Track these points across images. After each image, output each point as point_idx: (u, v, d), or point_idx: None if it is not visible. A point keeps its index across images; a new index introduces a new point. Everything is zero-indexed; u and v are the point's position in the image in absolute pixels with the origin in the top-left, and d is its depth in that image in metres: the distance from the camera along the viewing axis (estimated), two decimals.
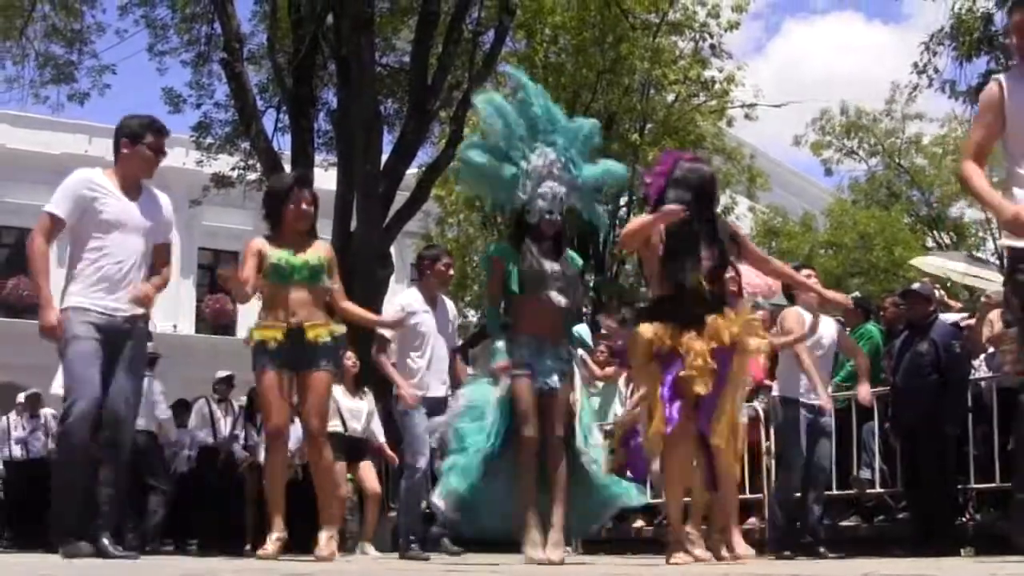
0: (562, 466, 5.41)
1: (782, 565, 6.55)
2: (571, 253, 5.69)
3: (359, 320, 6.41)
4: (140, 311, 5.42)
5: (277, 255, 5.81)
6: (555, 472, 5.41)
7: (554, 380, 5.40)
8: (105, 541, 5.25)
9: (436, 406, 7.19)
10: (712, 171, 5.60)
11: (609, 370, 10.20)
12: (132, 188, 5.48)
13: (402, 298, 7.73)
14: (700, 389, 4.94)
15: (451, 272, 7.70)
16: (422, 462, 7.23)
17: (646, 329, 5.10)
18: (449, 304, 7.69)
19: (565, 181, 5.53)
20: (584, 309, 6.29)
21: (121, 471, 5.50)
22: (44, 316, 5.28)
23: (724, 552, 5.58)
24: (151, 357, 10.40)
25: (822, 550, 7.42)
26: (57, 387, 9.03)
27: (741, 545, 5.51)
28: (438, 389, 7.32)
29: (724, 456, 5.17)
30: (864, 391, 7.71)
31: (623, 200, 20.39)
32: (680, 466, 5.15)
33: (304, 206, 5.93)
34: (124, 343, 5.35)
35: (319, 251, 5.96)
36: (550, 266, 5.44)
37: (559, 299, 5.42)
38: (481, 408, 5.42)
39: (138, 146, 5.49)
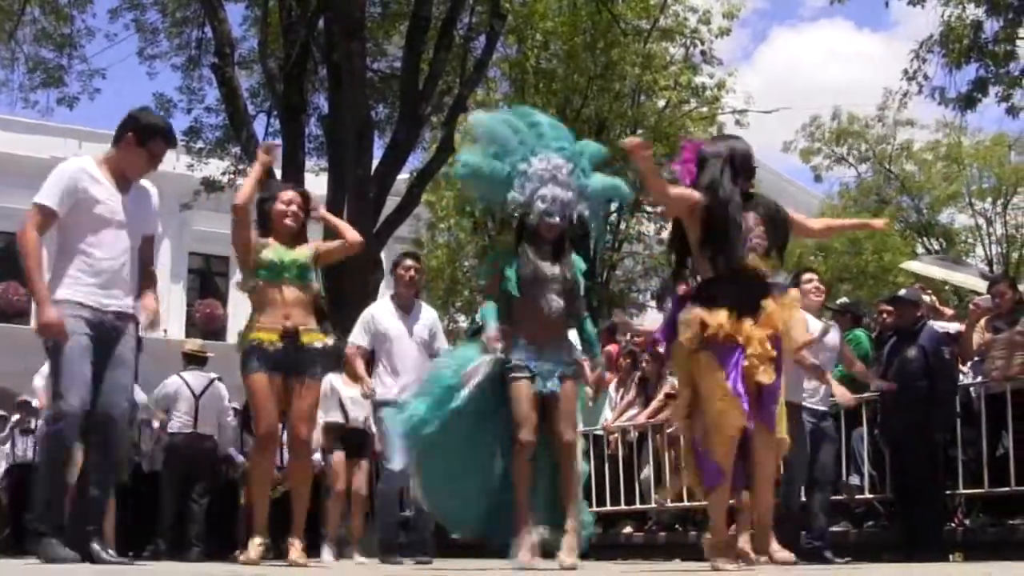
0: (576, 468, 5.40)
1: (801, 571, 6.52)
2: (575, 257, 5.62)
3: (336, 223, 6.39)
4: (132, 309, 5.26)
5: (272, 253, 5.81)
6: (568, 475, 5.37)
7: (555, 383, 5.36)
8: (96, 546, 5.14)
9: None
10: (743, 142, 5.10)
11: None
12: (123, 180, 5.27)
13: (370, 309, 7.74)
14: (764, 378, 4.60)
15: (412, 275, 7.52)
16: (397, 465, 7.16)
17: (705, 315, 4.64)
18: (426, 310, 7.64)
19: (573, 188, 5.48)
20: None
21: (112, 473, 5.39)
22: (44, 312, 4.98)
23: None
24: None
25: (828, 555, 7.40)
26: (40, 380, 9.02)
27: (779, 550, 5.04)
28: (407, 393, 7.33)
29: (772, 452, 4.80)
30: (877, 383, 7.71)
31: (613, 205, 20.40)
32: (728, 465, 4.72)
33: (286, 205, 5.94)
34: (116, 341, 5.16)
35: (306, 249, 5.96)
36: (549, 269, 5.41)
37: (554, 303, 5.40)
38: (463, 360, 5.42)
39: (143, 148, 5.26)
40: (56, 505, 5.11)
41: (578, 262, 5.61)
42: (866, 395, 8.02)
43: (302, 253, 5.90)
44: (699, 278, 4.88)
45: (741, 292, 4.68)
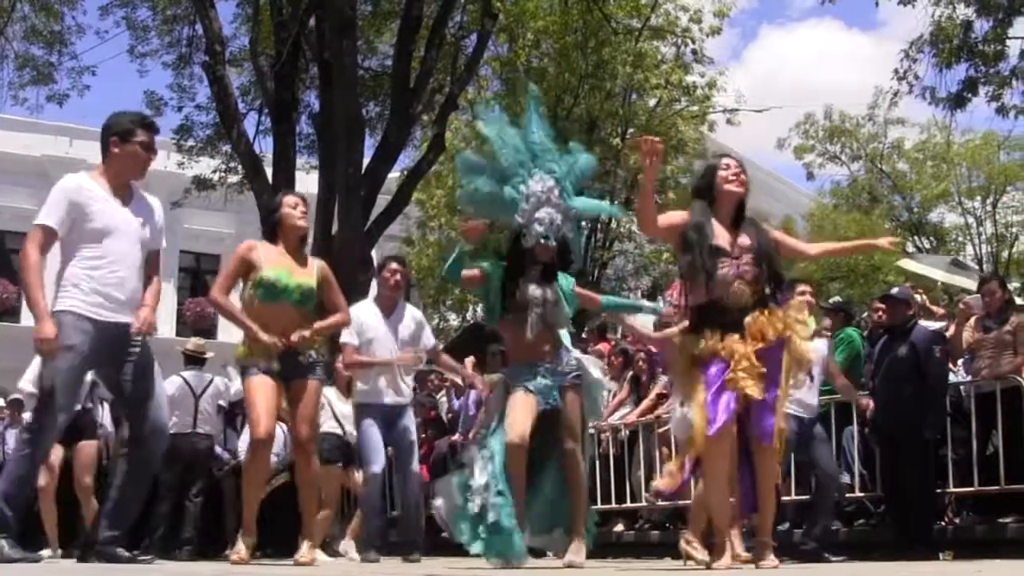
0: (579, 474, 5.43)
1: (797, 570, 6.52)
2: (562, 281, 5.60)
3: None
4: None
5: (274, 272, 5.70)
6: (572, 480, 5.43)
7: (554, 398, 5.40)
8: (120, 550, 5.25)
9: (388, 413, 7.36)
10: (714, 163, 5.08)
11: None
12: (123, 191, 5.27)
13: (353, 309, 7.70)
14: (753, 392, 4.60)
15: (396, 279, 7.48)
16: (376, 468, 7.32)
17: (689, 341, 4.79)
18: (409, 310, 7.62)
19: (561, 209, 5.50)
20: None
21: (148, 484, 5.45)
22: (42, 328, 4.98)
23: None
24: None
25: (827, 555, 7.40)
26: (27, 383, 9.06)
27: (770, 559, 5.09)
28: (390, 396, 7.37)
29: (770, 464, 4.80)
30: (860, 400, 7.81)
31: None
32: (724, 465, 4.73)
33: (293, 208, 5.90)
34: (132, 354, 5.18)
35: (314, 274, 5.87)
36: (532, 292, 5.42)
37: (536, 326, 5.39)
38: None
39: (128, 144, 5.27)
40: (16, 508, 5.08)
41: (564, 282, 5.60)
42: (857, 393, 8.03)
43: (308, 278, 5.82)
44: (690, 301, 4.91)
45: (728, 314, 4.72)
